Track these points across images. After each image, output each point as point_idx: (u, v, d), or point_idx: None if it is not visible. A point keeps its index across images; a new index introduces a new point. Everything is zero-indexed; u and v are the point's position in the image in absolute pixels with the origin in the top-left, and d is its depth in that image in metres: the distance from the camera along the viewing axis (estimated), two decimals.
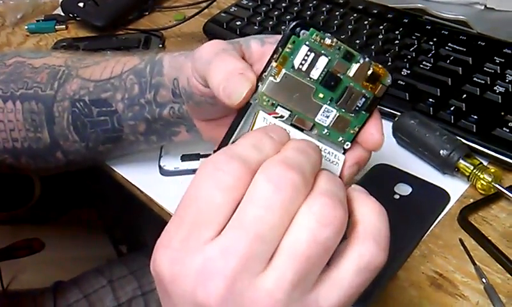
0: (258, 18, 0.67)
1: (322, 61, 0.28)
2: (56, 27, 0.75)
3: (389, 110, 0.51)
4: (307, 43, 0.28)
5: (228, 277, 0.22)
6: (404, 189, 0.45)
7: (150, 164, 0.50)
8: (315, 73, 0.29)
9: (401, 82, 0.53)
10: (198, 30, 0.69)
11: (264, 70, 0.29)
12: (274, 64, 0.28)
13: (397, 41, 0.59)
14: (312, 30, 0.28)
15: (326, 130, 0.30)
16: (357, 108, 0.30)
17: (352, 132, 0.30)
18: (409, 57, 0.56)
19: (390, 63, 0.56)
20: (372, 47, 0.59)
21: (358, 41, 0.60)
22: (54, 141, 0.45)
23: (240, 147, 0.25)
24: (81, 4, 0.74)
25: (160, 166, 0.49)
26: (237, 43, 0.33)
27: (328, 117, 0.30)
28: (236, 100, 0.28)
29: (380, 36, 0.60)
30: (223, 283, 0.22)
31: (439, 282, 0.38)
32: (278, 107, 0.29)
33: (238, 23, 0.67)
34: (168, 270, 0.23)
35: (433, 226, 0.42)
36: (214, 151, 0.29)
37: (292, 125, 0.29)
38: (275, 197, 0.23)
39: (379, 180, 0.46)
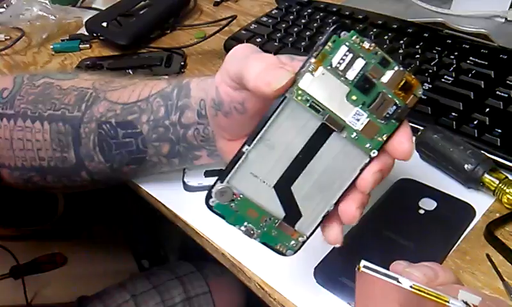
0: (278, 35, 0.68)
1: (359, 63, 0.29)
2: (80, 46, 0.77)
3: (412, 124, 0.50)
4: (347, 43, 0.29)
5: None
6: (428, 204, 0.44)
7: (174, 180, 0.50)
8: (351, 74, 0.29)
9: (423, 97, 0.53)
10: (218, 47, 0.71)
11: (302, 67, 0.30)
12: (313, 60, 0.29)
13: (417, 56, 0.59)
14: (352, 32, 0.29)
15: (355, 134, 0.30)
16: (387, 115, 0.30)
17: (380, 139, 0.31)
18: (430, 71, 0.56)
19: None
20: None
21: None
22: (80, 162, 0.46)
23: None
24: (105, 24, 0.76)
25: (184, 182, 0.50)
26: None
27: (358, 120, 0.30)
28: (275, 87, 0.29)
29: (400, 51, 0.61)
30: None
31: None
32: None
33: (258, 40, 0.68)
34: None
35: (459, 241, 0.41)
36: (242, 145, 0.30)
37: (323, 124, 0.30)
38: None
39: (403, 195, 0.46)
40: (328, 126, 0.30)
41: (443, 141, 0.47)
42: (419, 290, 0.26)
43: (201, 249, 0.47)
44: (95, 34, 0.77)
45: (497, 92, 0.52)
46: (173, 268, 0.76)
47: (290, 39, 0.67)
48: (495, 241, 0.40)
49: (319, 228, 0.33)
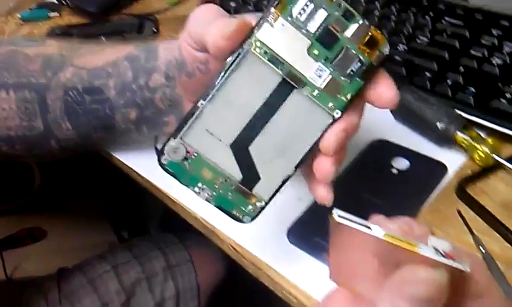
0: (252, 0, 0.66)
1: (321, 15, 0.28)
2: (50, 14, 0.74)
3: None
4: None
5: None
6: (402, 164, 0.45)
7: (147, 148, 0.49)
8: (313, 27, 0.28)
9: (398, 58, 0.53)
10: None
11: (261, 18, 0.28)
12: (272, 10, 0.28)
13: (393, 17, 0.59)
14: None
15: (317, 91, 0.29)
16: (351, 72, 0.29)
17: (344, 99, 0.29)
18: (405, 32, 0.56)
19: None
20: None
21: None
22: (48, 130, 0.45)
23: None
24: None
25: (156, 149, 0.49)
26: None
27: (320, 77, 0.28)
28: (227, 34, 0.28)
29: (376, 13, 0.60)
30: None
31: None
32: None
33: (232, 4, 0.66)
34: None
35: (431, 198, 0.42)
36: (197, 99, 0.28)
37: (283, 79, 0.28)
38: None
39: (377, 156, 0.46)
40: (288, 83, 0.29)
41: (417, 101, 0.47)
42: (390, 237, 0.26)
43: (182, 219, 0.47)
44: (64, 2, 0.74)
45: (471, 51, 0.52)
46: (154, 240, 0.76)
47: (265, 3, 0.65)
48: (466, 197, 0.41)
49: (282, 192, 0.31)
